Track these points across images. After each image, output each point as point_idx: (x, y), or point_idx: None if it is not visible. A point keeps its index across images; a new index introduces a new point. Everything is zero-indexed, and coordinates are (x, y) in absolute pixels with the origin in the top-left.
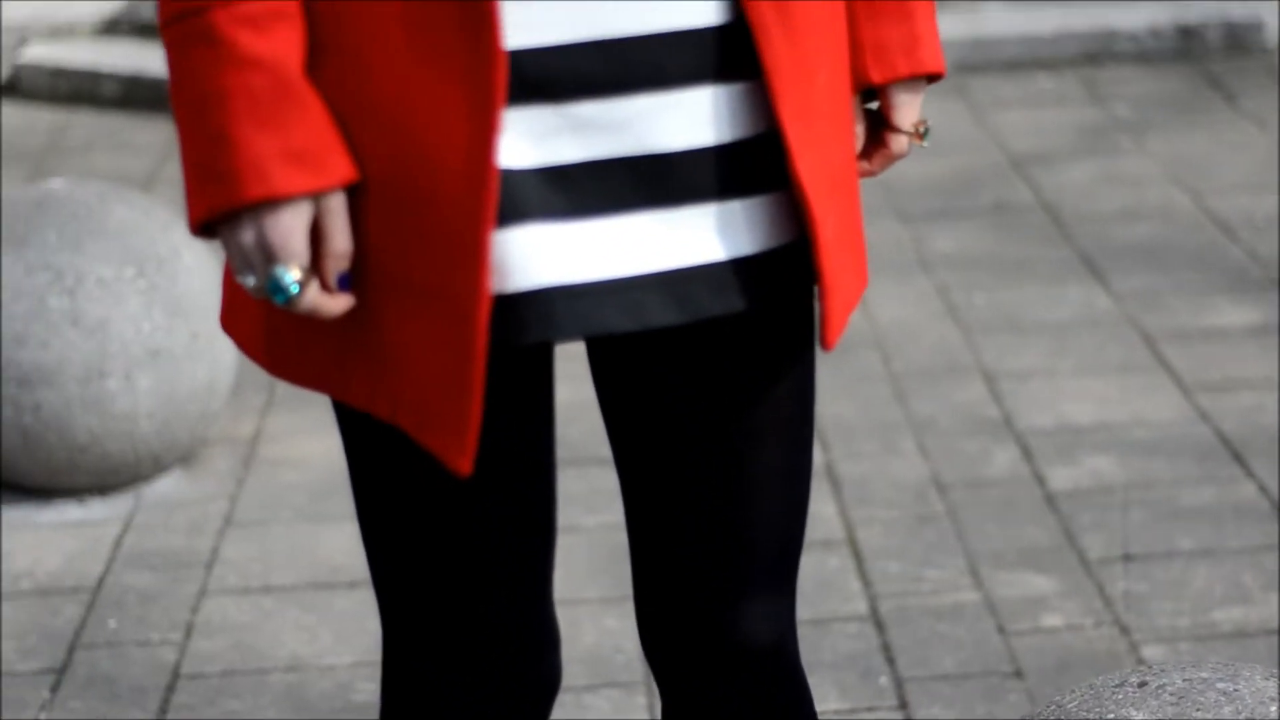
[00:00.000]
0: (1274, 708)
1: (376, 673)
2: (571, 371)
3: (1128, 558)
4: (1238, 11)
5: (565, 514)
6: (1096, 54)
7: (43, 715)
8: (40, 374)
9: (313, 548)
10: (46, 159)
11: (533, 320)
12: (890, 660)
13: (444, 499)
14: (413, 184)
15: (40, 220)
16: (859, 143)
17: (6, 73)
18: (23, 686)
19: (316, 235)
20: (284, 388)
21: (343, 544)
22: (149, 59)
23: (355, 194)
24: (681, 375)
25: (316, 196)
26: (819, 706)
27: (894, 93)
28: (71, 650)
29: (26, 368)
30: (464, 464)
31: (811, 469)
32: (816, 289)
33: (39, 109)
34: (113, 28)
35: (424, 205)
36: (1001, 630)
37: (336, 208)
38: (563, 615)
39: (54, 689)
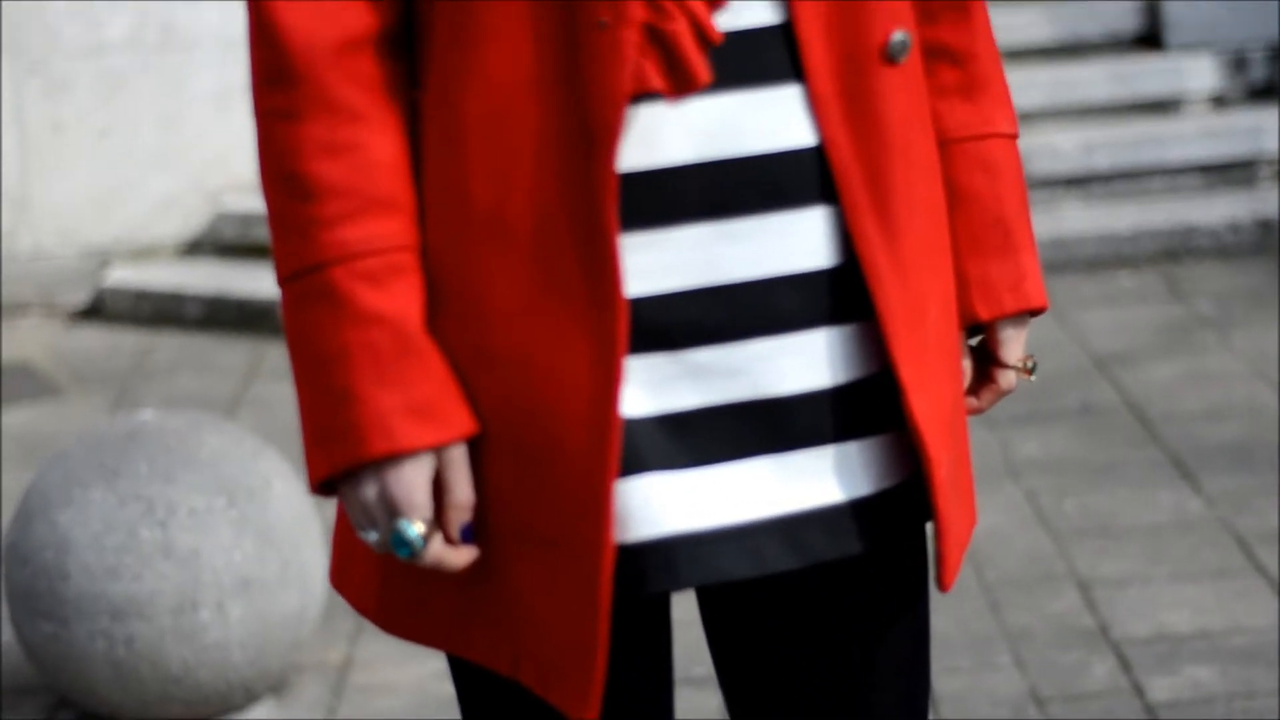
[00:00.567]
0: None
1: None
2: None
3: None
4: None
5: None
6: (1176, 250)
7: None
8: (133, 606)
9: None
10: (132, 382)
11: (654, 570)
12: None
13: None
14: (534, 433)
15: (132, 452)
16: (966, 378)
17: (91, 296)
18: None
19: (438, 487)
20: None
21: None
22: (231, 279)
23: (475, 443)
24: (795, 620)
25: (438, 449)
26: None
27: (1001, 328)
28: None
29: (119, 600)
30: (589, 716)
31: (928, 712)
32: (931, 527)
33: (123, 331)
34: (195, 249)
35: (545, 455)
36: None
37: (458, 460)
38: None
39: None
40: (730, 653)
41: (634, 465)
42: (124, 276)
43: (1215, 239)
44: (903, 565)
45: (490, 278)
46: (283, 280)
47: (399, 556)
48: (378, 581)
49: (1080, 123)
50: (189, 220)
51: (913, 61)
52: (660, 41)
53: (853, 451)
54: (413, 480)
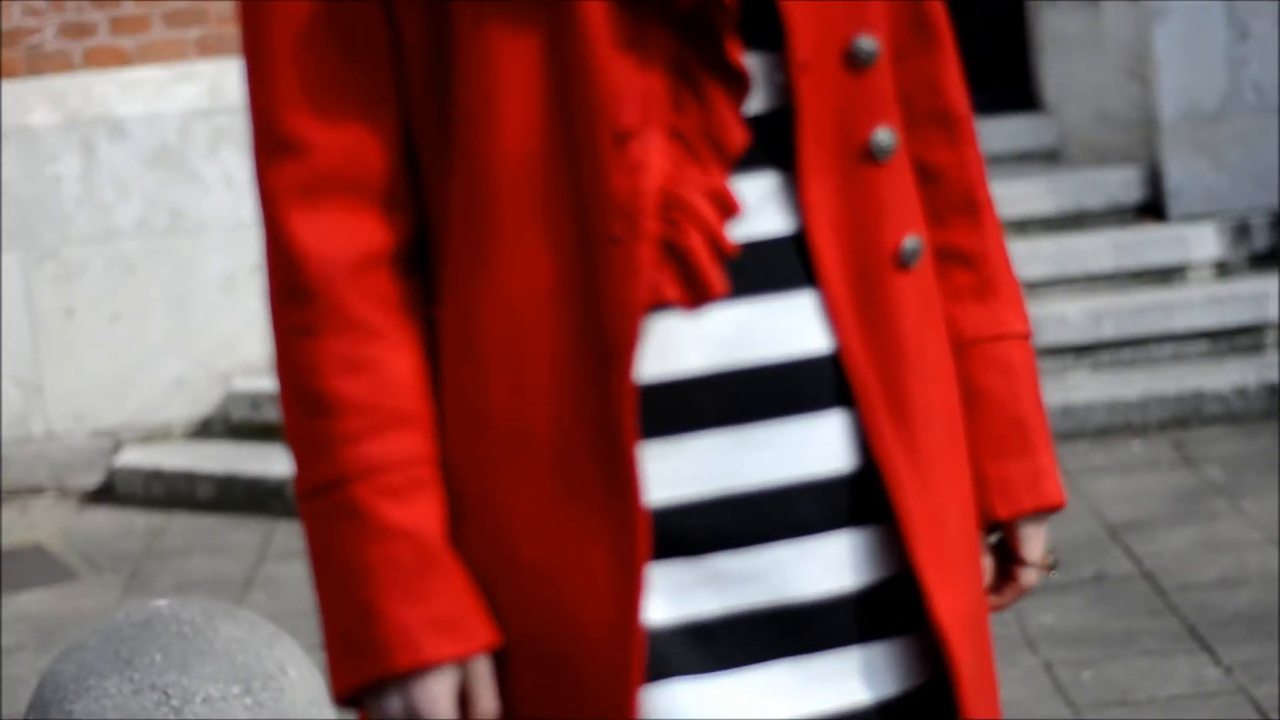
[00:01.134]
0: None
1: None
2: None
3: None
4: None
5: None
6: (1185, 417)
7: None
8: None
9: None
10: (144, 564)
11: None
12: None
13: None
14: (557, 643)
15: (147, 641)
16: (987, 576)
17: (103, 478)
18: None
19: (463, 699)
20: None
21: None
22: (242, 460)
23: (500, 653)
24: None
25: (463, 662)
26: None
27: (1020, 527)
28: None
29: None
30: None
31: None
32: None
33: (135, 513)
34: (205, 430)
35: (568, 664)
36: None
37: (482, 672)
38: None
39: None
40: None
41: (657, 672)
42: (135, 458)
43: (1224, 405)
44: None
45: (510, 488)
46: (303, 495)
47: None
48: None
49: (1086, 292)
50: (199, 402)
51: (925, 265)
52: (675, 254)
53: (876, 653)
54: (437, 693)
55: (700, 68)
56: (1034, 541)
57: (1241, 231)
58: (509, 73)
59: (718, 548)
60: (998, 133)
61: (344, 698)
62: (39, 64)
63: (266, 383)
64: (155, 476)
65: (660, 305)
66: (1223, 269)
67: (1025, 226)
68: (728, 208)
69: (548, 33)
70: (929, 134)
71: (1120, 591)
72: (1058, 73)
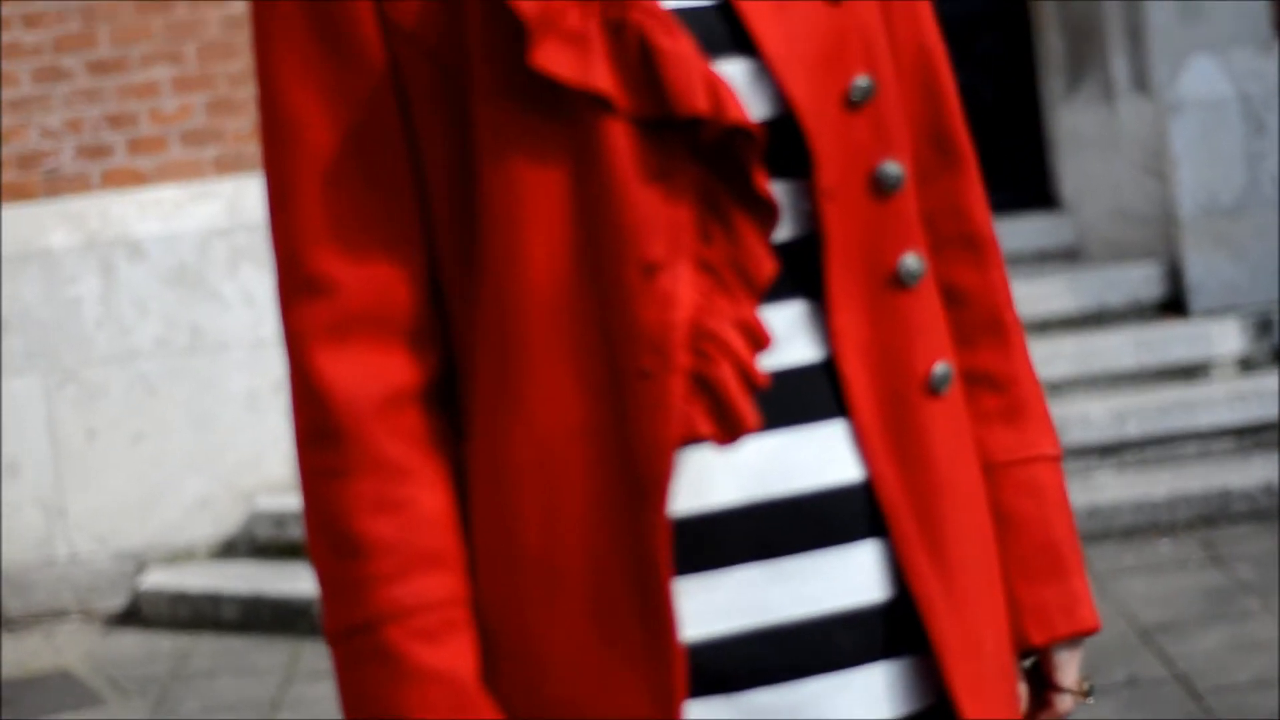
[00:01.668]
0: None
1: None
2: None
3: None
4: None
5: None
6: (1212, 515)
7: None
8: None
9: None
10: (171, 687)
11: None
12: None
13: None
14: None
15: None
16: (1022, 704)
17: (128, 601)
18: None
19: None
20: None
21: None
22: (267, 580)
23: None
24: None
25: None
26: None
27: (1055, 652)
28: None
29: None
30: None
31: None
32: None
33: (161, 635)
34: (230, 550)
35: None
36: None
37: None
38: None
39: None
40: None
41: None
42: (160, 580)
43: (1251, 503)
44: None
45: (543, 627)
46: (334, 637)
47: None
48: None
49: (1109, 391)
50: (223, 522)
51: (954, 390)
52: (706, 388)
53: None
54: None
55: (727, 197)
56: (1069, 667)
57: (1264, 326)
58: (534, 205)
59: (755, 683)
60: (1016, 232)
61: None
62: (57, 186)
63: (291, 500)
64: (180, 598)
65: (693, 440)
66: (1246, 364)
67: (1046, 326)
68: (759, 340)
69: (572, 164)
70: (955, 256)
71: (1154, 695)
72: (1075, 170)
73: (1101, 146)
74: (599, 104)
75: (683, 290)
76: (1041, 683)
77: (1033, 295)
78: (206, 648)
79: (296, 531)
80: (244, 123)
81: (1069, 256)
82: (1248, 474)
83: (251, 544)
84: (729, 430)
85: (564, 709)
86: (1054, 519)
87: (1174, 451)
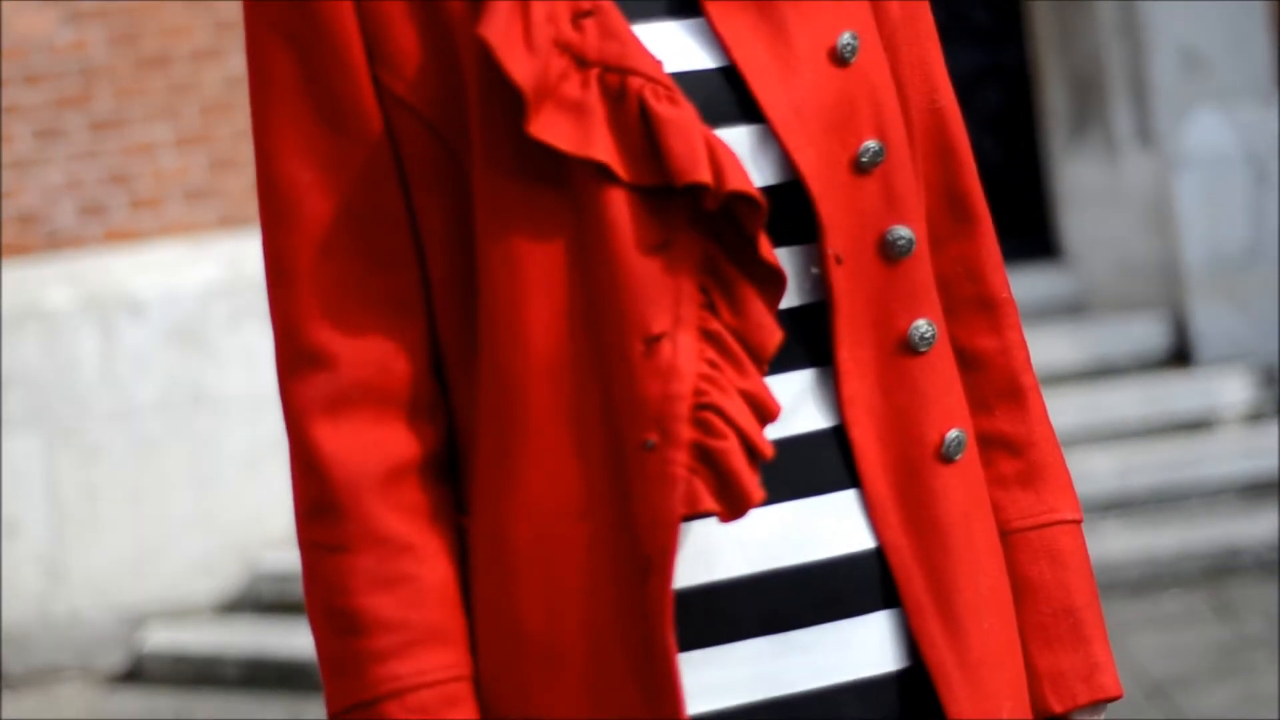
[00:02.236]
0: None
1: None
2: None
3: None
4: None
5: None
6: (1220, 570)
7: None
8: None
9: None
10: None
11: None
12: None
13: None
14: None
15: None
16: None
17: (129, 660)
18: None
19: None
20: None
21: None
22: (269, 638)
23: None
24: None
25: None
26: None
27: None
28: None
29: None
30: None
31: None
32: None
33: (162, 694)
34: (232, 608)
35: None
36: None
37: None
38: None
39: None
40: None
41: None
42: (161, 639)
43: (1258, 557)
44: None
45: (546, 705)
46: (334, 716)
47: None
48: None
49: (1115, 445)
50: (225, 580)
51: (969, 455)
52: (710, 461)
53: None
54: None
55: (732, 266)
56: None
57: (1269, 378)
58: (533, 275)
59: None
60: (1020, 284)
61: None
62: (57, 243)
63: (293, 558)
64: (181, 658)
65: (696, 514)
66: (1252, 416)
67: (1050, 379)
68: (766, 411)
69: (572, 233)
70: (970, 320)
71: None
72: (1079, 223)
73: (1105, 199)
74: (599, 173)
75: (686, 361)
76: None
77: (1037, 348)
78: (208, 706)
79: (298, 589)
80: (245, 180)
81: (1073, 309)
82: (1255, 528)
83: (254, 602)
84: (733, 506)
85: None
86: (1073, 584)
87: (1180, 506)
